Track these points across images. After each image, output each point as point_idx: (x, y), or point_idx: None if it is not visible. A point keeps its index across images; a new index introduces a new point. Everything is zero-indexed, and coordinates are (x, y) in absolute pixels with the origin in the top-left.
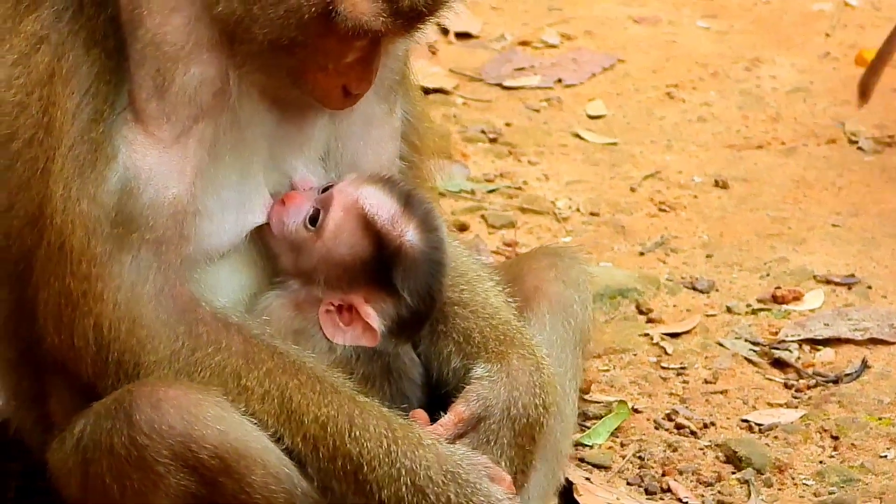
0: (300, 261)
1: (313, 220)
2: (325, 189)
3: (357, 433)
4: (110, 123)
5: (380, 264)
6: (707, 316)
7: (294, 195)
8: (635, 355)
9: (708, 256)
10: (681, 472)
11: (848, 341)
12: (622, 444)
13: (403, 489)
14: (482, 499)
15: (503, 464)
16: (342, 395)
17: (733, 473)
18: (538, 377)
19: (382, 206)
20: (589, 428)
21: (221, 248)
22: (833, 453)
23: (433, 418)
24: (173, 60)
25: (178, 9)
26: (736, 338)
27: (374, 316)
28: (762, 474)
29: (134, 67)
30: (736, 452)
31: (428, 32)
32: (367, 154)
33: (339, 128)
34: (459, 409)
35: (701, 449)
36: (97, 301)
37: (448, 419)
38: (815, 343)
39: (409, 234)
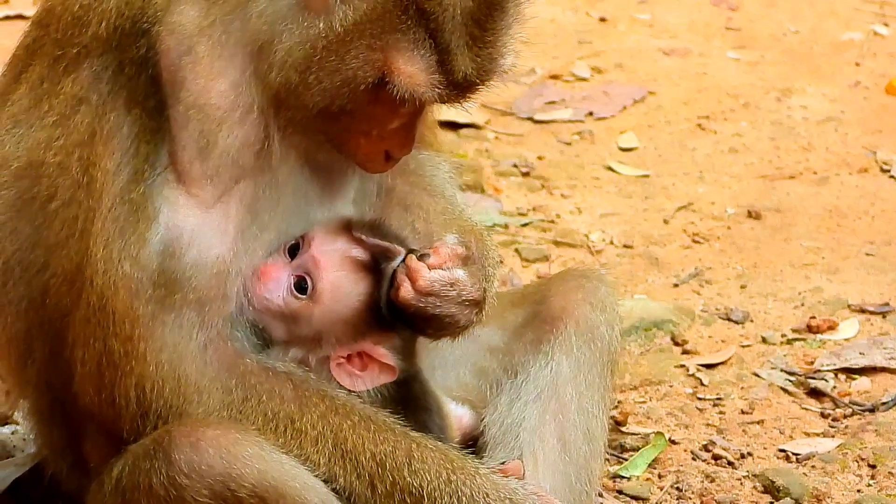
0: (297, 329)
1: (301, 288)
2: (291, 252)
3: (416, 466)
4: (151, 184)
5: (380, 306)
6: (742, 346)
7: (266, 268)
8: (671, 387)
9: (742, 287)
10: (719, 503)
11: (884, 370)
12: (660, 476)
13: None
14: None
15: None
16: (395, 431)
17: (771, 503)
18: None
19: (363, 252)
20: (626, 460)
21: None
22: (871, 482)
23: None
24: (217, 123)
25: (223, 74)
26: (772, 368)
27: (388, 355)
28: (800, 503)
29: (176, 128)
30: (774, 482)
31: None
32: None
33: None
34: (441, 248)
35: (739, 479)
36: (140, 362)
37: (436, 254)
38: (850, 372)
39: (392, 266)
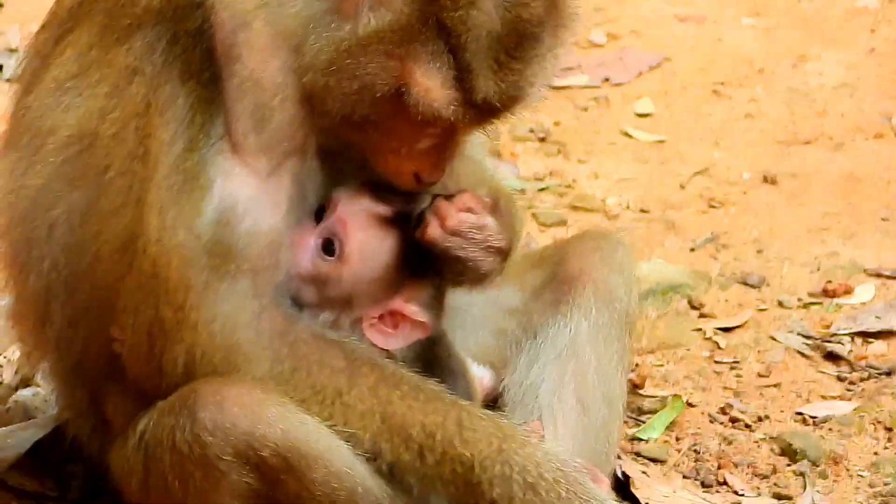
0: (327, 292)
1: (329, 249)
2: (318, 216)
3: (467, 436)
4: (205, 153)
5: (408, 260)
6: (759, 310)
7: (292, 235)
8: (688, 350)
9: (758, 252)
10: (736, 465)
11: None
12: (677, 438)
13: (515, 487)
14: (590, 498)
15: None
16: (445, 400)
17: (788, 466)
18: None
19: (388, 207)
20: (644, 422)
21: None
22: (888, 444)
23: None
24: (273, 98)
25: (275, 55)
26: (788, 332)
27: (419, 311)
28: (817, 466)
29: (231, 100)
30: (791, 445)
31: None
32: None
33: None
34: (469, 193)
35: (756, 442)
36: (191, 330)
37: (465, 197)
38: (866, 336)
39: (424, 206)
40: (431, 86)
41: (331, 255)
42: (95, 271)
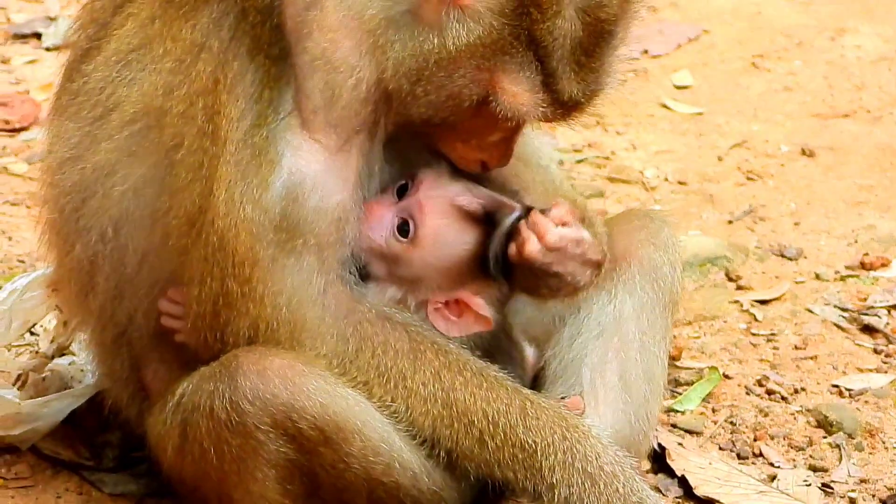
0: (397, 270)
1: (403, 230)
2: (399, 192)
3: (530, 423)
4: (274, 128)
5: (484, 258)
6: (796, 283)
7: (372, 206)
8: (725, 322)
9: (796, 224)
10: (772, 437)
11: None
12: (714, 410)
13: (575, 474)
14: (645, 497)
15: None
16: (507, 387)
17: (824, 438)
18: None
19: (473, 201)
20: (680, 394)
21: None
22: None
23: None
24: (343, 76)
25: (348, 37)
26: (825, 304)
27: (484, 306)
28: (853, 438)
29: (301, 77)
30: (827, 417)
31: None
32: None
33: None
34: (562, 205)
35: (792, 414)
36: (257, 303)
37: (561, 210)
38: None
39: (501, 217)
40: (519, 92)
41: (404, 237)
42: (162, 245)
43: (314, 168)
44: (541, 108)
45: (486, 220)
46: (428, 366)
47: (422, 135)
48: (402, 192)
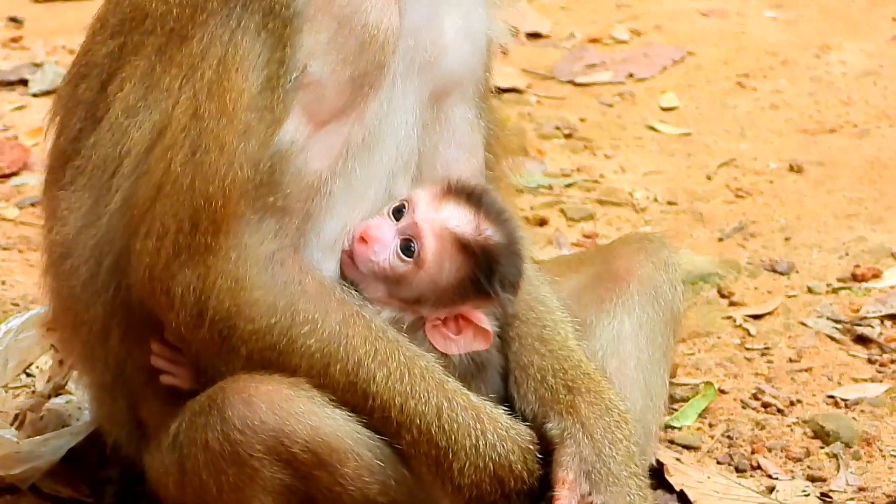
0: (398, 291)
1: (407, 251)
2: (396, 212)
3: (445, 424)
4: (283, 88)
5: (478, 275)
6: (788, 297)
7: (372, 230)
8: (719, 338)
9: (787, 239)
10: (770, 449)
11: None
12: (710, 425)
13: (487, 480)
14: None
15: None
16: (432, 384)
17: (822, 448)
18: (609, 418)
19: (468, 222)
20: (677, 410)
21: (334, 234)
22: None
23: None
24: (355, 44)
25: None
26: (818, 316)
27: (486, 320)
28: (850, 448)
29: (310, 41)
30: (823, 427)
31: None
32: (459, 161)
33: (431, 137)
34: (563, 476)
35: (788, 426)
36: (211, 254)
37: (562, 491)
38: None
39: (493, 238)
40: None
41: (409, 257)
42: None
43: (307, 129)
44: None
45: (474, 249)
46: (353, 353)
47: None
48: (398, 214)
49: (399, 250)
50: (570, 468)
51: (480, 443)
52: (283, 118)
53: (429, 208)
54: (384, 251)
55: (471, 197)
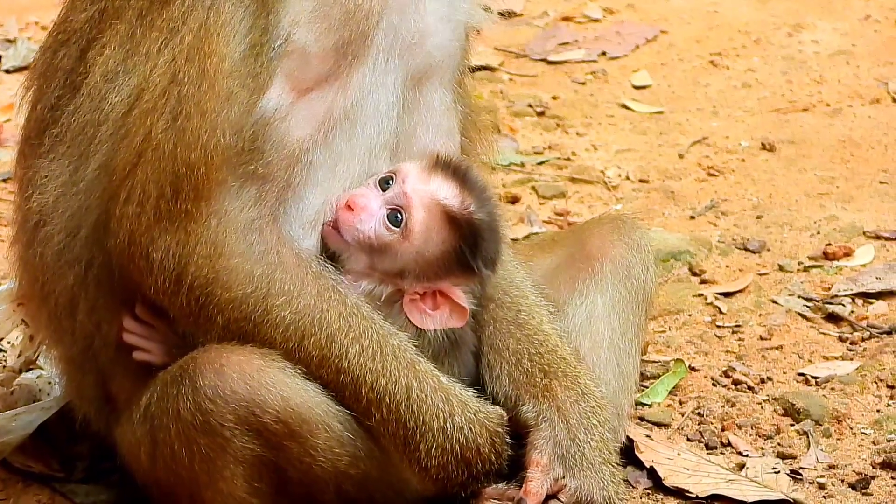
0: (381, 262)
1: (394, 221)
2: (384, 182)
3: (414, 404)
4: (267, 55)
5: (463, 249)
6: (760, 275)
7: (359, 199)
8: (690, 315)
9: (758, 217)
10: (740, 427)
11: None
12: (681, 402)
13: (453, 461)
14: None
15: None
16: (403, 363)
17: (792, 426)
18: (584, 403)
19: (455, 196)
20: (647, 387)
21: (314, 208)
22: (890, 402)
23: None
24: (339, 11)
25: None
26: (789, 295)
27: (463, 297)
28: (820, 425)
29: (295, 9)
30: (794, 405)
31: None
32: (436, 144)
33: (410, 119)
34: (537, 459)
35: (759, 403)
36: (192, 220)
37: (535, 473)
38: (867, 297)
39: (477, 214)
40: None
41: (396, 227)
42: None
43: (290, 97)
44: None
45: (459, 222)
46: (327, 328)
47: None
48: (384, 185)
49: (386, 220)
50: (544, 451)
51: (448, 425)
52: (266, 85)
53: (418, 180)
54: (370, 220)
55: (457, 172)
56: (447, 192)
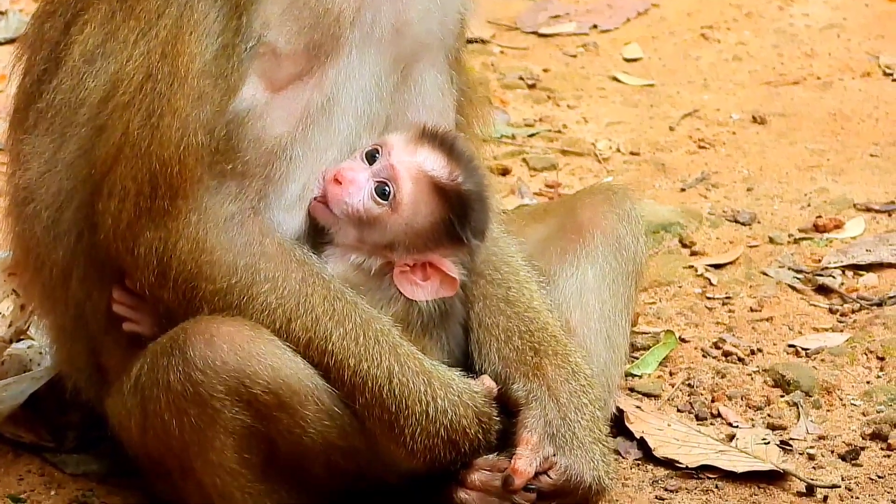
0: (370, 235)
1: (382, 194)
2: (370, 156)
3: (396, 388)
4: (239, 55)
5: (452, 220)
6: (750, 247)
7: (346, 172)
8: (680, 287)
9: (749, 190)
10: (730, 398)
11: (890, 266)
12: (671, 373)
13: (440, 444)
14: None
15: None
16: (386, 346)
17: (782, 397)
18: (575, 382)
19: (443, 167)
20: (638, 358)
21: (295, 196)
22: (880, 373)
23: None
24: (311, 9)
25: None
26: (779, 266)
27: (453, 267)
28: (810, 396)
29: (267, 7)
30: (784, 376)
31: None
32: (428, 123)
33: (399, 101)
34: (527, 437)
35: (749, 374)
36: (171, 218)
37: (524, 451)
38: (857, 268)
39: (465, 184)
40: None
41: (384, 200)
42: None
43: (264, 96)
44: None
45: (448, 193)
46: (311, 312)
47: None
48: (371, 158)
49: (374, 193)
50: (534, 430)
51: (430, 409)
52: (238, 86)
53: (404, 152)
54: (358, 193)
55: (443, 143)
56: (434, 163)
